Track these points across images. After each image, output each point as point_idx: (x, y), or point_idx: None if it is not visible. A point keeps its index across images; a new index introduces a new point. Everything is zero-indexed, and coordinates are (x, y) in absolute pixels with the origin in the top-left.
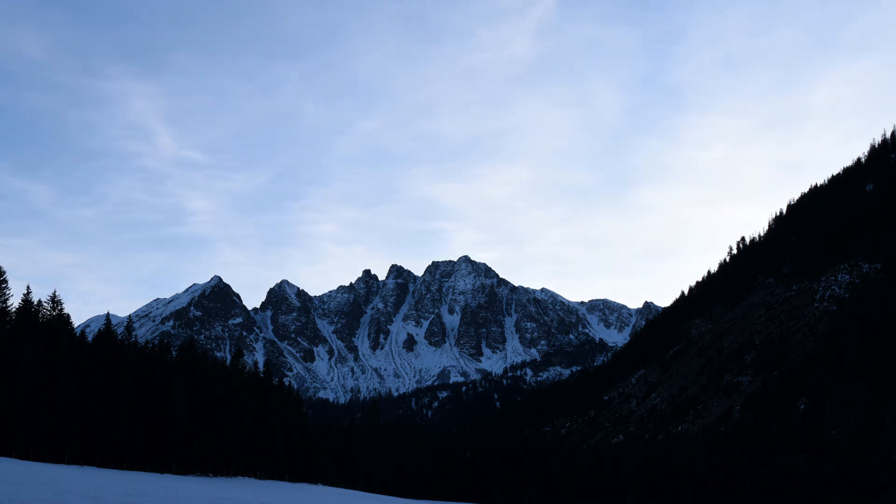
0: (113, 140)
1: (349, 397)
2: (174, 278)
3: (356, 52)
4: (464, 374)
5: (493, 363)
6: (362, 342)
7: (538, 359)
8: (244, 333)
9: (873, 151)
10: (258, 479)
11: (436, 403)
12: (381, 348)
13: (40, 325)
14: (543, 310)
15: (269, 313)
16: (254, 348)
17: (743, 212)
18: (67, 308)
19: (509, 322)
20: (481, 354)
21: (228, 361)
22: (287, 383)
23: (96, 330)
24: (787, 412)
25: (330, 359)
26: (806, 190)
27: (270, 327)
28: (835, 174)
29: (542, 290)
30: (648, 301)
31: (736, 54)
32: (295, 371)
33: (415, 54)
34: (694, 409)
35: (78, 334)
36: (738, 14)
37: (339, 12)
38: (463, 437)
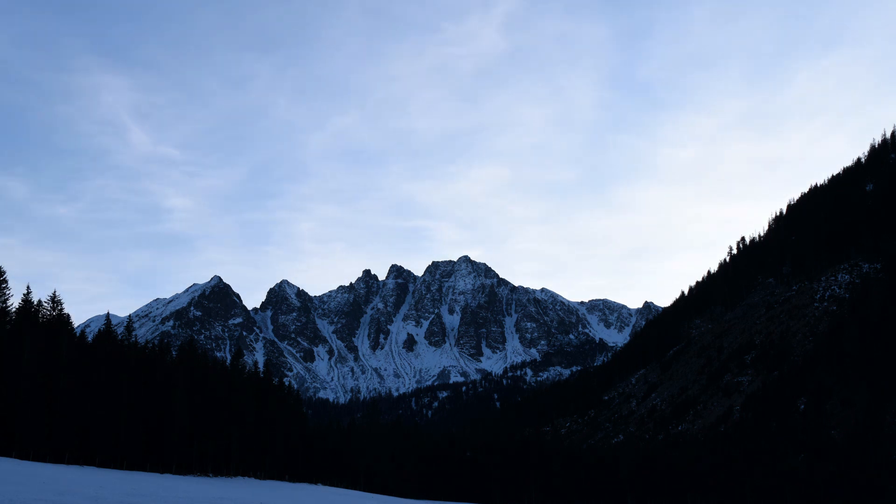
0: (87, 136)
1: (349, 397)
2: (157, 277)
3: (325, 46)
4: (464, 374)
5: (493, 363)
6: (362, 342)
7: (538, 359)
8: (244, 333)
9: (873, 151)
10: (258, 479)
11: (436, 403)
12: (381, 348)
13: (40, 325)
14: (543, 310)
15: (269, 313)
16: (254, 348)
17: (726, 210)
18: (67, 308)
19: (509, 322)
20: (481, 354)
21: (228, 361)
22: (287, 383)
23: (96, 330)
24: (787, 412)
25: (330, 359)
26: (806, 190)
27: (270, 327)
28: (835, 174)
29: (542, 290)
30: (648, 301)
31: (703, 50)
32: (295, 371)
33: (382, 49)
34: (694, 409)
35: (78, 334)
36: (703, 10)
37: (305, 5)
38: (463, 437)
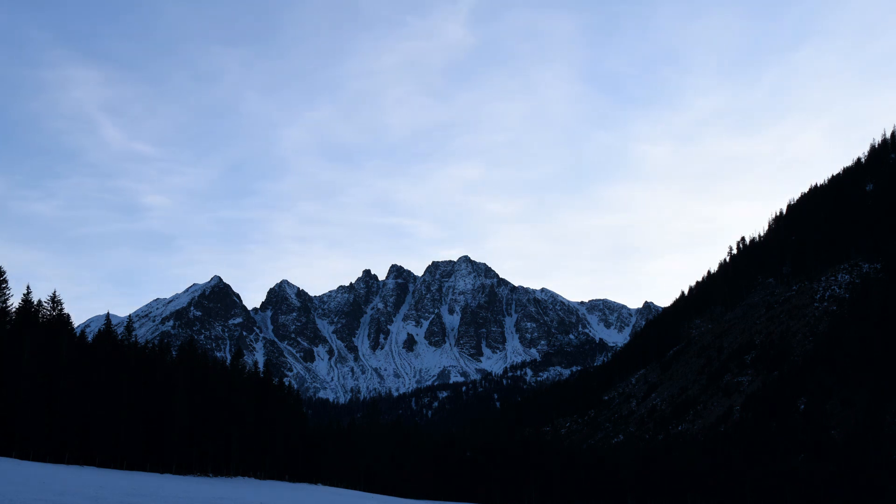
0: (58, 133)
1: (349, 397)
2: (137, 276)
3: (291, 40)
4: (464, 374)
5: (493, 363)
6: (362, 342)
7: (538, 359)
8: (244, 333)
9: (873, 151)
10: (258, 479)
11: (436, 403)
12: (381, 348)
13: (40, 325)
14: (543, 310)
15: (269, 313)
16: (254, 348)
17: (708, 208)
18: (67, 308)
19: (509, 322)
20: (481, 354)
21: (228, 361)
22: (287, 383)
23: (96, 330)
24: (787, 412)
25: (330, 359)
26: (806, 190)
27: (270, 327)
28: (835, 174)
29: (542, 290)
30: (648, 301)
31: (670, 46)
32: (295, 371)
33: (349, 44)
34: (694, 409)
35: (78, 334)
36: (667, 6)
37: None
38: (463, 437)
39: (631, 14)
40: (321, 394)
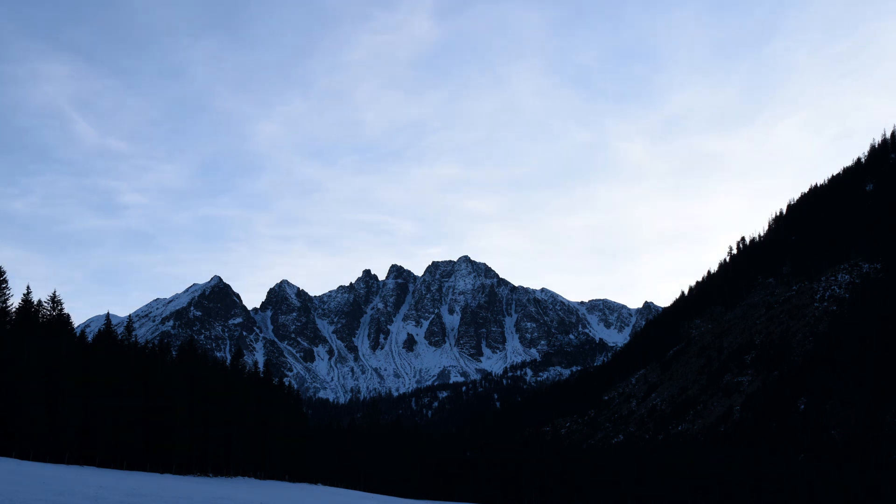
0: (30, 129)
1: (349, 397)
2: (119, 275)
3: (259, 33)
4: (464, 374)
5: (493, 363)
6: (362, 342)
7: (538, 359)
8: (244, 333)
9: (873, 151)
10: (258, 479)
11: (436, 403)
12: (381, 348)
13: (40, 325)
14: (543, 310)
15: (269, 313)
16: (254, 348)
17: (685, 206)
18: (67, 308)
19: (509, 322)
20: (481, 354)
21: (228, 361)
22: (287, 383)
23: (96, 330)
24: (787, 412)
25: (330, 359)
26: (806, 190)
27: (270, 327)
28: (835, 174)
29: (542, 290)
30: (648, 301)
31: (635, 41)
32: (295, 371)
33: (316, 38)
34: (694, 409)
35: (78, 334)
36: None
37: None
38: (463, 437)
39: (600, 7)
40: (321, 394)
